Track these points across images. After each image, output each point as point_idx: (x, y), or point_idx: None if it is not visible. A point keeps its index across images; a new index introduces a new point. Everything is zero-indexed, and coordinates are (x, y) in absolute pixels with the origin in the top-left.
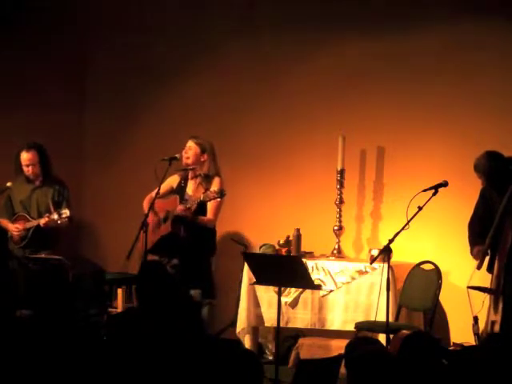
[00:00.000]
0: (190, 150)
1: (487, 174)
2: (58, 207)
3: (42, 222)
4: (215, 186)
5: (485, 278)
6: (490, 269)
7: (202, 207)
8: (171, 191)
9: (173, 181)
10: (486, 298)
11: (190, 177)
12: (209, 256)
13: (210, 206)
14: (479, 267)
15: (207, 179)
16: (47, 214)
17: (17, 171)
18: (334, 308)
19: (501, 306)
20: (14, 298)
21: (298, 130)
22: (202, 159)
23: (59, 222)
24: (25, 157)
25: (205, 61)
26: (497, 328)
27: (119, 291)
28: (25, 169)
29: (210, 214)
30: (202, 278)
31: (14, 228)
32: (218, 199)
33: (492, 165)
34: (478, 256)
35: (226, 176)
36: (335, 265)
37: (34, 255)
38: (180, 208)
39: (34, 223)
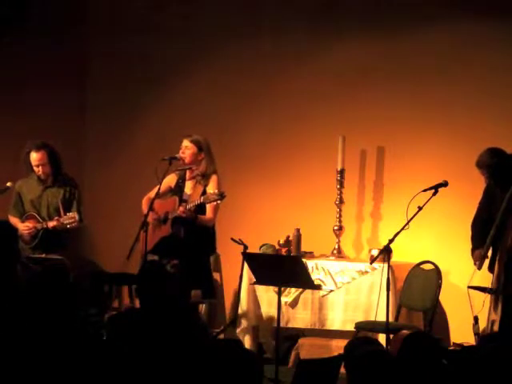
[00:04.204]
0: (188, 150)
1: (489, 170)
2: (67, 207)
3: (51, 225)
4: (213, 184)
5: (486, 278)
6: (490, 268)
7: (201, 206)
8: (169, 191)
9: (170, 180)
10: (486, 298)
11: (187, 177)
12: (208, 256)
13: (210, 205)
14: (479, 267)
15: (205, 178)
16: (56, 217)
17: (28, 171)
18: (333, 308)
19: (500, 305)
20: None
21: (298, 130)
22: (199, 158)
23: (68, 226)
24: (34, 157)
25: (205, 61)
26: (496, 327)
27: (121, 291)
28: (35, 169)
29: (209, 213)
30: (201, 278)
31: (25, 226)
32: (218, 201)
33: (494, 161)
34: (478, 259)
35: (226, 176)
36: (335, 265)
37: (34, 255)
38: (181, 209)
39: (42, 226)
